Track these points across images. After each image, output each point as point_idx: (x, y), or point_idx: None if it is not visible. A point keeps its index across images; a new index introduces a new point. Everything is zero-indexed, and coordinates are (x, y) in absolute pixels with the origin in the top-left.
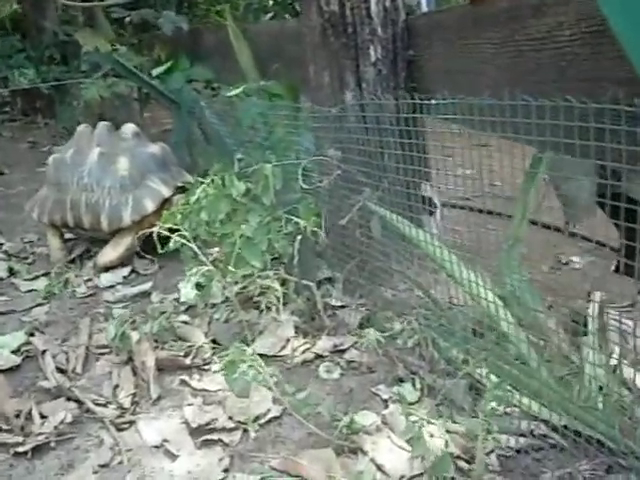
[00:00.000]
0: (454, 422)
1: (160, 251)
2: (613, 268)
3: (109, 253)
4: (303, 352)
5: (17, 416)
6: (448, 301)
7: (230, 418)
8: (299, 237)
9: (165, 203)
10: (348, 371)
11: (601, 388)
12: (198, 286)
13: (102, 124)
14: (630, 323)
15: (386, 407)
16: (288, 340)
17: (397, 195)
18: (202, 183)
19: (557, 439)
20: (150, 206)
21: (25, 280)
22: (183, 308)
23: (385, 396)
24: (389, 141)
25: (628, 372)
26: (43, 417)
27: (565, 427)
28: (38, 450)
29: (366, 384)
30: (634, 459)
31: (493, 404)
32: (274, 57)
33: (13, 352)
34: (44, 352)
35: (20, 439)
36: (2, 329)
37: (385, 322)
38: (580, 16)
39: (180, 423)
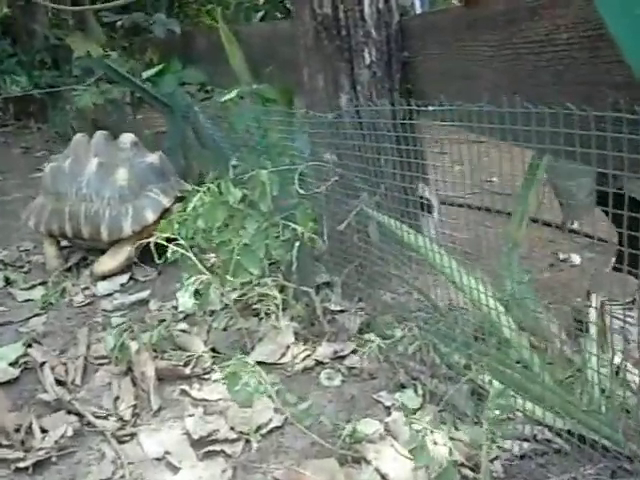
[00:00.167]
0: (457, 429)
1: (158, 261)
2: (612, 265)
3: (107, 262)
4: (303, 359)
5: (17, 430)
6: (448, 305)
7: (232, 428)
8: (297, 243)
9: (165, 213)
10: (349, 378)
11: (604, 391)
12: (196, 294)
13: (99, 133)
14: (630, 320)
15: (389, 414)
16: (288, 347)
17: (394, 199)
18: (198, 191)
19: (561, 444)
20: (151, 216)
21: (22, 290)
22: (182, 316)
23: (387, 403)
24: (386, 145)
25: (631, 372)
26: (44, 431)
27: (569, 431)
28: (39, 465)
29: (368, 391)
30: (639, 463)
31: (496, 412)
32: (267, 59)
33: (11, 364)
34: (43, 364)
35: (21, 454)
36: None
37: (385, 327)
38: (578, 19)
39: (181, 434)
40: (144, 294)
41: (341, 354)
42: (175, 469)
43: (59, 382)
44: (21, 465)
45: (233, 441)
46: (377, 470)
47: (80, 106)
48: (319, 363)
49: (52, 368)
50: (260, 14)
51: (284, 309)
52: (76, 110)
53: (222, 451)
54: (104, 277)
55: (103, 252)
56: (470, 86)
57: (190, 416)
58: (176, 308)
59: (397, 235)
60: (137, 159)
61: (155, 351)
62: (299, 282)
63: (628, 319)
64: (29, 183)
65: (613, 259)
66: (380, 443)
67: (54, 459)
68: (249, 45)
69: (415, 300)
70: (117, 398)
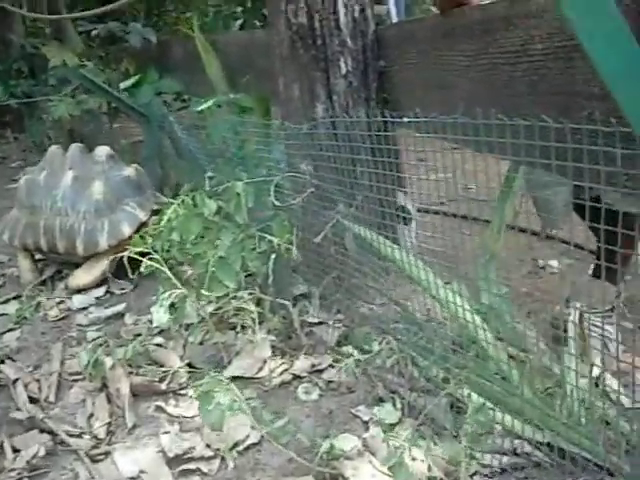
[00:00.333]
0: (436, 444)
1: (132, 275)
2: (590, 272)
3: (82, 276)
4: (281, 373)
5: None
6: (426, 316)
7: (208, 446)
8: (273, 255)
9: (142, 227)
10: (327, 392)
11: (583, 401)
12: (172, 308)
13: (75, 146)
14: (610, 329)
15: (367, 429)
16: (265, 361)
17: (371, 210)
18: (172, 204)
19: (541, 457)
20: (127, 230)
21: None
22: (157, 330)
23: (365, 417)
24: (361, 156)
25: (610, 382)
26: (15, 451)
27: (549, 445)
28: None
29: (346, 405)
30: (620, 476)
31: (475, 427)
32: (244, 69)
33: None
34: (15, 381)
35: None
36: None
37: (363, 339)
38: (552, 30)
39: (157, 452)
40: (120, 307)
41: (319, 368)
42: None
43: (32, 399)
44: None
45: (209, 459)
46: None
47: (56, 117)
48: (296, 377)
49: (25, 385)
50: (239, 22)
51: (261, 322)
52: (52, 120)
53: (198, 469)
54: (79, 290)
55: (78, 265)
56: (446, 96)
57: (166, 433)
58: (152, 322)
59: (374, 247)
60: (113, 172)
61: (130, 366)
62: (276, 294)
63: (607, 327)
64: (4, 194)
65: (592, 266)
66: (358, 460)
67: None
68: (226, 54)
69: (393, 312)
70: (91, 415)
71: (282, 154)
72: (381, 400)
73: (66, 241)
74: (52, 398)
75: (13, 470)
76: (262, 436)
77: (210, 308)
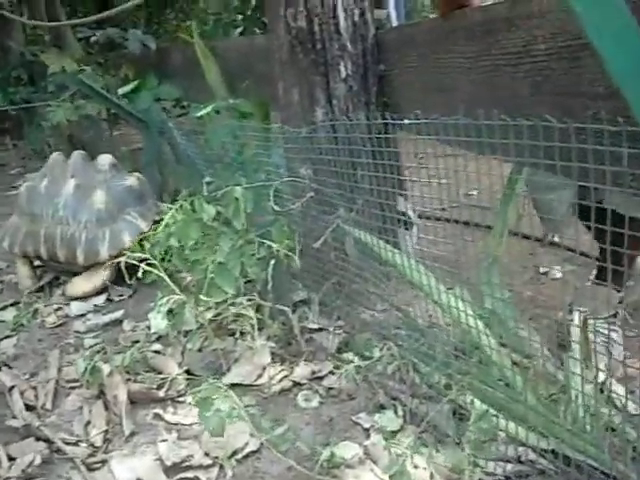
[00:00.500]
0: (438, 451)
1: (129, 282)
2: (592, 278)
3: (82, 285)
4: (280, 380)
5: None
6: (428, 321)
7: (206, 454)
8: (272, 261)
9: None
10: (327, 399)
11: (588, 408)
12: (170, 314)
13: (77, 154)
14: (614, 335)
15: (368, 437)
16: (264, 368)
17: (372, 214)
18: (170, 209)
19: (545, 465)
20: (128, 241)
21: None
22: (155, 337)
23: (366, 425)
24: (362, 160)
25: (616, 388)
26: (11, 459)
27: (553, 452)
28: None
29: (346, 412)
30: None
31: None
32: (244, 74)
33: None
34: (12, 388)
35: None
36: None
37: (364, 346)
38: (555, 30)
39: (154, 460)
40: (118, 314)
41: (319, 374)
42: None
43: (28, 407)
44: None
45: (207, 467)
46: None
47: (54, 122)
48: (296, 384)
49: (21, 392)
50: (238, 30)
51: (260, 328)
52: (52, 127)
53: (196, 477)
54: (77, 298)
55: (76, 273)
56: (447, 98)
57: (163, 441)
58: (150, 328)
59: (375, 252)
60: (115, 181)
61: (128, 373)
62: (275, 300)
63: (612, 334)
64: (4, 201)
65: (594, 272)
66: (359, 468)
67: None
68: (225, 60)
69: (394, 318)
70: (88, 423)
71: (281, 158)
72: (382, 407)
73: (67, 250)
74: (49, 405)
75: (8, 479)
76: (261, 444)
77: (209, 314)
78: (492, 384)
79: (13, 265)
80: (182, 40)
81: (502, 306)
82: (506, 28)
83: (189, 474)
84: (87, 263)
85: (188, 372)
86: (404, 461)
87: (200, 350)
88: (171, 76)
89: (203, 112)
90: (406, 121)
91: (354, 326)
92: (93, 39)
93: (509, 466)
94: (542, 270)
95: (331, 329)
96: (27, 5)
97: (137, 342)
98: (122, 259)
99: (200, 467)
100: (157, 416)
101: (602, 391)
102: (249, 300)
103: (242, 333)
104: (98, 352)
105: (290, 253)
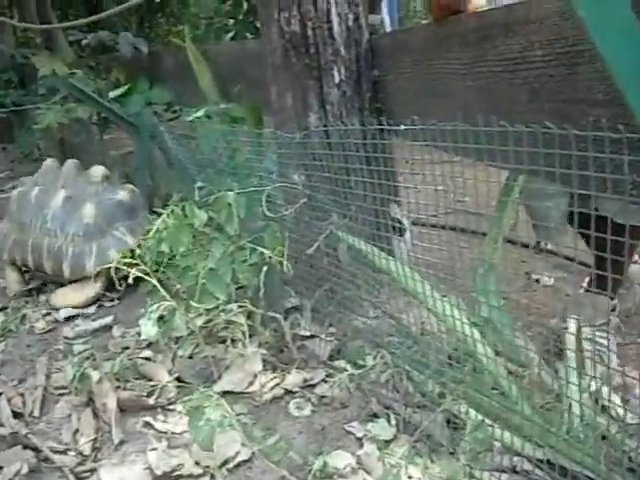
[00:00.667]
0: (433, 461)
1: (119, 288)
2: (585, 285)
3: (73, 296)
4: (272, 388)
5: None
6: (421, 329)
7: (197, 463)
8: (265, 268)
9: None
10: (320, 407)
11: (583, 417)
12: (160, 320)
13: (70, 163)
14: (606, 342)
15: (361, 446)
16: (256, 375)
17: (365, 221)
18: (160, 214)
19: (541, 475)
20: (114, 256)
21: None
22: (145, 343)
23: (359, 434)
24: (356, 166)
25: (611, 397)
26: None
27: (549, 462)
28: None
29: (339, 421)
30: None
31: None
32: (236, 78)
33: None
34: None
35: None
36: None
37: (356, 353)
38: (553, 36)
39: (144, 469)
40: (107, 320)
41: (311, 382)
42: None
43: (16, 414)
44: None
45: (198, 476)
46: None
47: (44, 125)
48: (288, 392)
49: (9, 399)
50: (230, 34)
51: (251, 335)
52: (42, 130)
53: None
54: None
55: (63, 283)
56: (442, 104)
57: (153, 450)
58: (140, 335)
59: (368, 258)
60: (106, 195)
61: (118, 380)
62: (267, 307)
63: (604, 342)
64: None
65: (586, 279)
66: (352, 478)
67: None
68: (217, 64)
69: (387, 325)
70: (77, 431)
71: (274, 164)
72: (375, 416)
73: (53, 262)
74: (37, 413)
75: None
76: (253, 453)
77: (200, 321)
78: (487, 393)
79: (1, 270)
80: (174, 44)
81: (497, 314)
82: (503, 34)
83: None
84: (73, 277)
85: (179, 379)
86: (398, 471)
87: (191, 357)
88: (163, 80)
89: (194, 116)
90: (402, 127)
91: (346, 333)
92: (84, 42)
93: (504, 476)
94: (534, 277)
95: (323, 336)
96: (18, 7)
97: (127, 348)
98: (112, 264)
99: (190, 476)
100: (147, 424)
101: (597, 400)
102: (240, 307)
103: (233, 340)
104: (87, 358)
105: (282, 259)
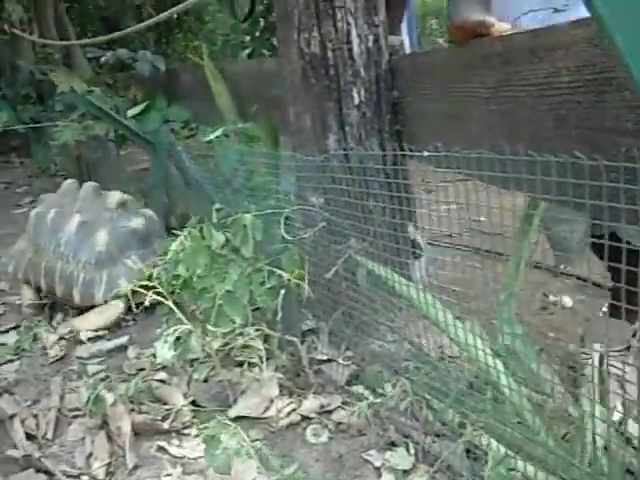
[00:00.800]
0: None
1: (135, 310)
2: (605, 310)
3: (94, 320)
4: (288, 414)
5: None
6: (439, 356)
7: None
8: (282, 291)
9: None
10: (337, 434)
11: (606, 448)
12: (176, 342)
13: (88, 186)
14: (629, 370)
15: (379, 476)
16: (272, 400)
17: (384, 247)
18: (178, 236)
19: None
20: (124, 285)
21: None
22: (160, 365)
23: (377, 463)
24: (375, 189)
25: (634, 427)
26: None
27: None
28: None
29: (356, 449)
30: None
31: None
32: (253, 98)
33: None
34: (13, 416)
35: None
36: None
37: (374, 379)
38: (582, 62)
39: None
40: (122, 340)
41: (328, 408)
42: None
43: (29, 436)
44: None
45: None
46: None
47: (61, 142)
48: (305, 418)
49: (22, 421)
50: (247, 51)
51: (268, 359)
52: (59, 146)
53: None
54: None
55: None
56: (463, 128)
57: (168, 475)
58: (155, 356)
59: (387, 283)
60: (121, 222)
61: (132, 403)
62: (284, 331)
63: (625, 367)
64: (10, 219)
65: (606, 303)
66: None
67: None
68: (235, 83)
69: (405, 350)
70: (90, 455)
71: (291, 185)
72: (394, 444)
73: (64, 287)
74: (50, 435)
75: None
76: None
77: (216, 344)
78: (508, 424)
79: (16, 287)
80: (191, 61)
81: (520, 343)
82: (528, 59)
83: None
84: (83, 304)
85: (194, 403)
86: None
87: (206, 380)
88: (180, 98)
89: (212, 136)
90: (426, 153)
91: (364, 358)
92: (103, 59)
93: None
94: (552, 299)
95: (340, 360)
96: (37, 23)
97: (142, 370)
98: (129, 287)
99: None
100: (161, 449)
101: (618, 431)
102: (257, 330)
103: (249, 364)
104: (102, 380)
105: (301, 282)
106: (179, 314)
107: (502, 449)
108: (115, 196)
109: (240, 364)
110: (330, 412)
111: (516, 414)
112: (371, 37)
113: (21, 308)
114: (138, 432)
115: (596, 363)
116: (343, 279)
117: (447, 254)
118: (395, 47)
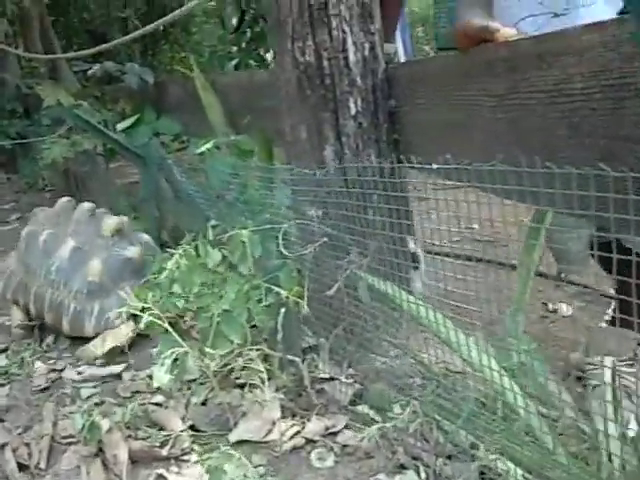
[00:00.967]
0: None
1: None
2: (608, 319)
3: (99, 346)
4: (292, 437)
5: None
6: (444, 371)
7: None
8: (282, 309)
9: None
10: (343, 457)
11: (624, 467)
12: (173, 363)
13: (83, 208)
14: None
15: None
16: (274, 423)
17: (383, 261)
18: (173, 254)
19: None
20: (114, 316)
21: None
22: (156, 387)
23: None
24: (374, 204)
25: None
26: None
27: None
28: None
29: (364, 473)
30: None
31: None
32: (245, 109)
33: None
34: (4, 445)
35: None
36: None
37: (379, 397)
38: (598, 67)
39: None
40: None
41: (333, 430)
42: None
43: (21, 466)
44: None
45: None
46: None
47: (49, 161)
48: (309, 441)
49: (14, 450)
50: (234, 62)
51: (269, 379)
52: (48, 164)
53: None
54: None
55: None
56: (464, 137)
57: None
58: (151, 377)
59: (389, 298)
60: (116, 250)
61: (129, 429)
62: (285, 350)
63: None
64: None
65: (609, 311)
66: None
67: None
68: (225, 94)
69: (408, 366)
70: None
71: (286, 198)
72: (403, 467)
73: (54, 315)
74: (43, 464)
75: None
76: None
77: (214, 365)
78: (522, 444)
79: (6, 307)
80: (179, 73)
81: (530, 359)
82: (537, 65)
83: None
84: (72, 334)
85: (192, 427)
86: None
87: (204, 403)
88: (169, 110)
89: (203, 148)
90: (434, 166)
91: (367, 375)
92: (90, 72)
93: None
94: (551, 307)
95: (343, 379)
96: (22, 37)
97: (137, 392)
98: (123, 309)
99: None
100: (160, 477)
101: (636, 449)
102: (257, 350)
103: (250, 385)
104: (96, 404)
105: (300, 300)
106: (175, 336)
107: (519, 471)
108: (112, 222)
109: (240, 385)
110: (335, 434)
111: (530, 433)
112: (367, 45)
113: (10, 329)
114: (135, 459)
115: (607, 379)
116: (344, 294)
117: (445, 265)
118: (390, 55)
